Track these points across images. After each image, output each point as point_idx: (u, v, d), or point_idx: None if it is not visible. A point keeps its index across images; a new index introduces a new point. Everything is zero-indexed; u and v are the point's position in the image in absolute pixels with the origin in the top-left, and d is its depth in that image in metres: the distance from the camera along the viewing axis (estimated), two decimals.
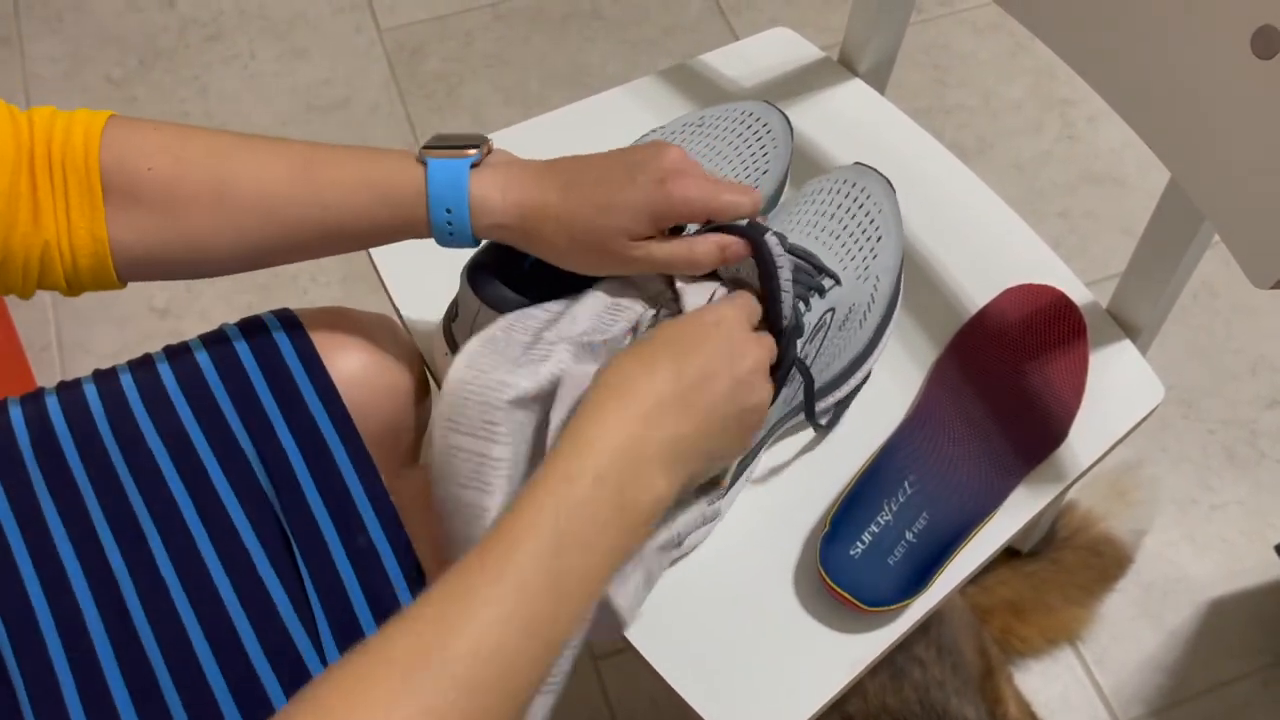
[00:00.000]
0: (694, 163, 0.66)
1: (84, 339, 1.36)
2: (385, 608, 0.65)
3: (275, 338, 0.72)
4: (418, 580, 0.66)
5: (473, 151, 0.65)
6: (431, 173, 0.64)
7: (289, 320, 0.73)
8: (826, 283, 0.75)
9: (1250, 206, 0.69)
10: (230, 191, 0.63)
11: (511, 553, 0.52)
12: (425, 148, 0.65)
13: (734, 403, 0.61)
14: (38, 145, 0.61)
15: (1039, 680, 1.16)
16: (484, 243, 0.73)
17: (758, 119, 0.86)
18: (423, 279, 0.84)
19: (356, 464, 0.68)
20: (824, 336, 0.74)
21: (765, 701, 0.70)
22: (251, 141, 0.65)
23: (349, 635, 0.64)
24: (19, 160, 0.60)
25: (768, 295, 0.67)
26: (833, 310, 0.74)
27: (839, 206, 0.80)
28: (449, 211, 0.64)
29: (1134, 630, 1.20)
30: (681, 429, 0.58)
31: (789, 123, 0.87)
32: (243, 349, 0.71)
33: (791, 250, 0.76)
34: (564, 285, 0.79)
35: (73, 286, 0.64)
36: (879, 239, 0.79)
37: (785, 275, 0.66)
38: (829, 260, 0.77)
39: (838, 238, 0.78)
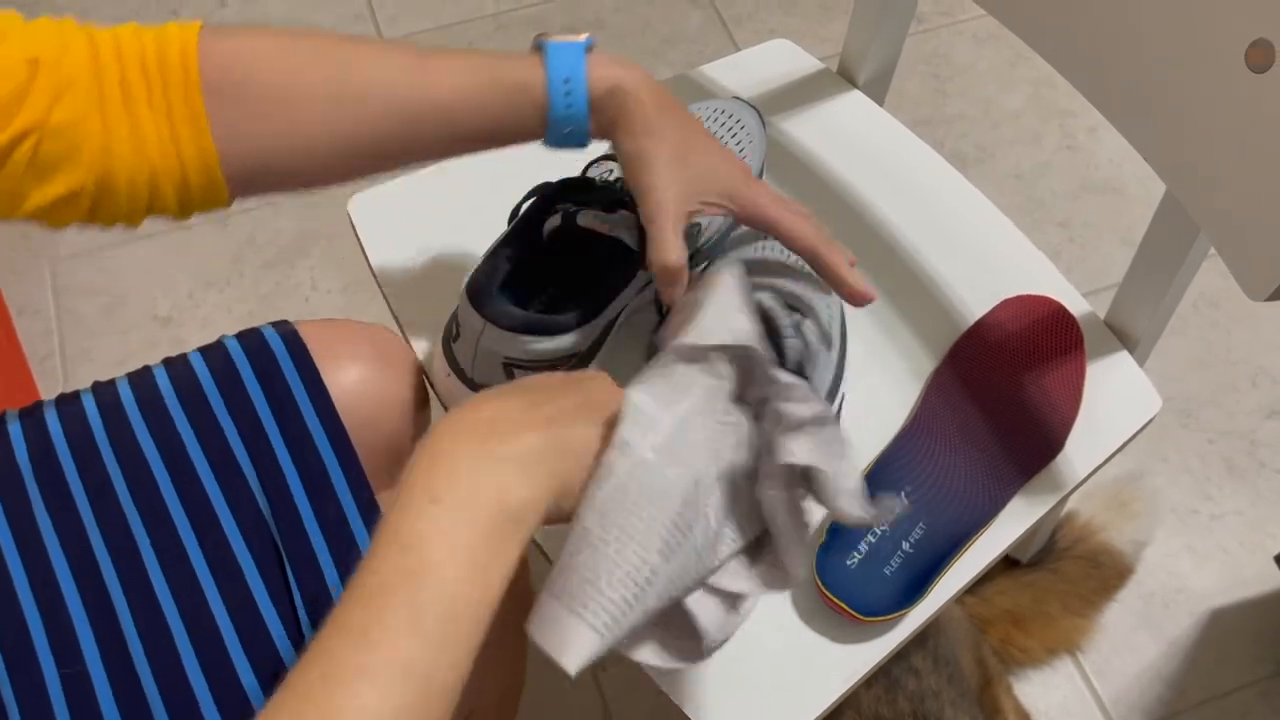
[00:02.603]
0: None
1: (87, 348, 1.37)
2: None
3: (274, 352, 0.72)
4: None
5: (585, 36, 0.65)
6: (550, 52, 0.64)
7: (288, 334, 0.73)
8: (807, 322, 0.74)
9: (1245, 219, 0.69)
10: (346, 89, 0.62)
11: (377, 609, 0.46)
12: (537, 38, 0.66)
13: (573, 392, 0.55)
14: (129, 66, 0.58)
15: (1039, 690, 1.16)
16: (482, 261, 0.73)
17: (731, 115, 0.86)
18: (422, 290, 0.85)
19: (352, 484, 0.68)
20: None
21: (761, 711, 0.70)
22: (359, 41, 0.64)
23: None
24: (104, 85, 0.58)
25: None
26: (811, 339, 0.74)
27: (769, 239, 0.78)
28: (567, 82, 0.64)
29: (1134, 640, 1.20)
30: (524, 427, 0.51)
31: (761, 117, 0.88)
32: (242, 364, 0.71)
33: (768, 285, 0.75)
34: (568, 298, 0.80)
35: (184, 208, 0.63)
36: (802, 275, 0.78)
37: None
38: (797, 289, 0.75)
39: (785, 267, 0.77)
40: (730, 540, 0.54)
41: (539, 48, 0.65)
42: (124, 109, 0.58)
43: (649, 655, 0.54)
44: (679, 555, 0.51)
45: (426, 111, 0.63)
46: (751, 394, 0.57)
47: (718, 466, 0.54)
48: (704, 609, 0.54)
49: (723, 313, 0.55)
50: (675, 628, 0.54)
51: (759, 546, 0.56)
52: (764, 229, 0.68)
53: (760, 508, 0.56)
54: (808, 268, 0.73)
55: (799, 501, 0.55)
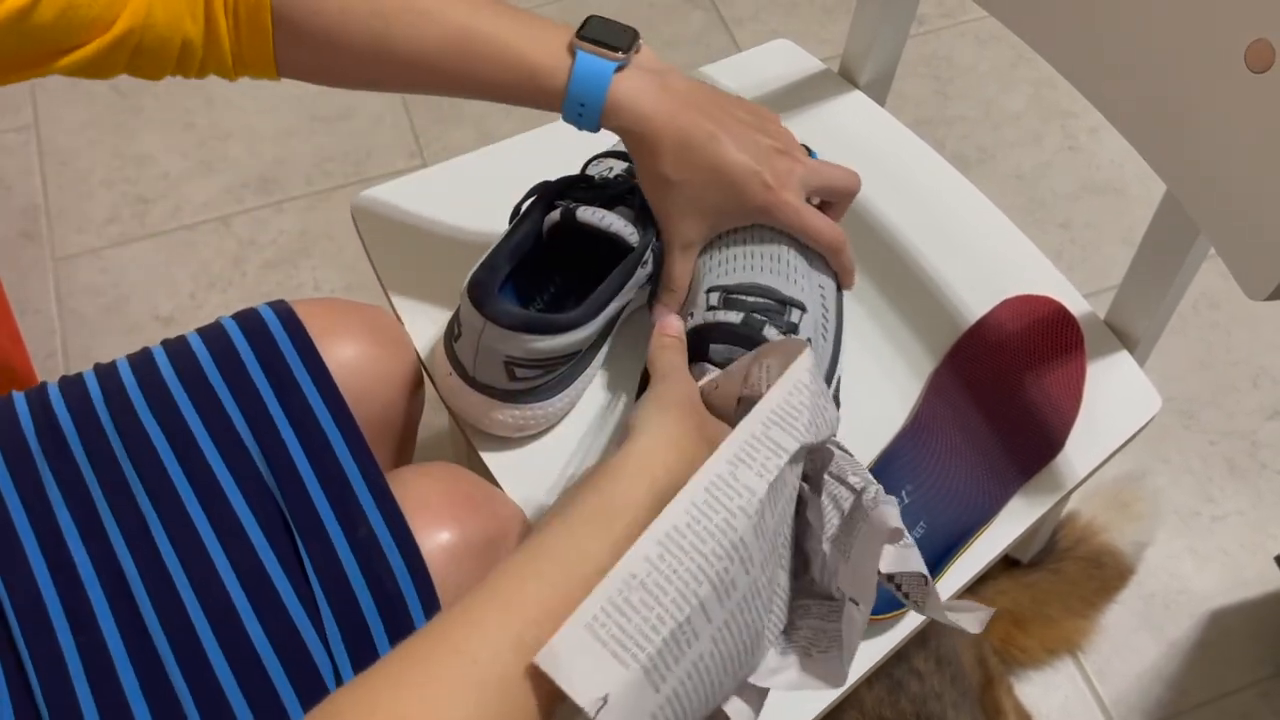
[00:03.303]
0: (807, 168, 0.73)
1: (89, 347, 1.37)
2: (388, 598, 0.65)
3: (271, 328, 0.72)
4: (419, 570, 0.66)
5: (621, 56, 0.69)
6: (577, 68, 0.69)
7: (284, 311, 0.74)
8: (795, 315, 0.72)
9: (1244, 219, 0.70)
10: (386, 55, 0.69)
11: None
12: (580, 36, 0.70)
13: None
14: None
15: (1040, 691, 1.16)
16: (483, 260, 0.73)
17: None
18: (424, 289, 0.85)
19: (355, 454, 0.68)
20: None
21: (763, 710, 0.70)
22: (415, 2, 0.69)
23: (353, 624, 0.64)
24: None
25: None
26: (809, 340, 0.72)
27: (750, 231, 0.75)
28: (583, 106, 0.70)
29: (1135, 641, 1.20)
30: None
31: None
32: (239, 339, 0.72)
33: (748, 290, 0.72)
34: (570, 296, 0.80)
35: (237, 76, 0.71)
36: (805, 245, 0.75)
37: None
38: (785, 288, 0.73)
39: (777, 259, 0.74)
40: (768, 640, 0.52)
41: (573, 53, 0.70)
42: (204, 7, 0.67)
43: None
44: (735, 670, 0.49)
45: (455, 85, 0.71)
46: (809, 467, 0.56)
47: (774, 563, 0.52)
48: (738, 711, 0.52)
49: (824, 404, 0.54)
50: None
51: (787, 639, 0.54)
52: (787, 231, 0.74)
53: (783, 600, 0.54)
54: (796, 264, 0.74)
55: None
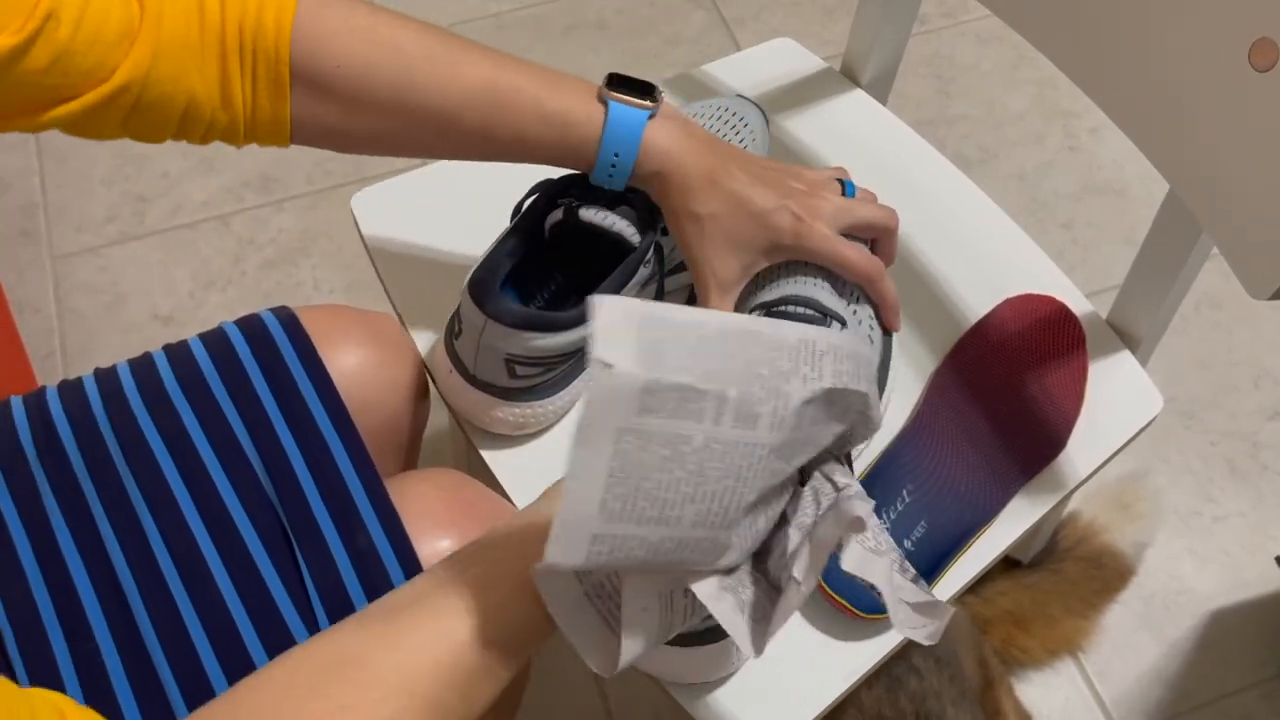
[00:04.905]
0: (837, 205, 0.71)
1: (87, 346, 1.37)
2: None
3: (274, 335, 0.72)
4: None
5: (650, 105, 0.68)
6: (611, 116, 0.67)
7: (287, 318, 0.73)
8: (834, 327, 0.72)
9: (1248, 217, 0.69)
10: (409, 107, 0.66)
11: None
12: (608, 87, 0.68)
13: None
14: (229, 26, 0.62)
15: (1040, 691, 1.16)
16: (484, 257, 0.73)
17: (735, 114, 0.86)
18: (425, 287, 0.85)
19: (356, 463, 0.68)
20: None
21: (763, 708, 0.70)
22: (438, 54, 0.67)
23: None
24: (205, 39, 0.62)
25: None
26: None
27: (787, 266, 0.74)
28: (616, 156, 0.68)
29: (1135, 642, 1.20)
30: None
31: (765, 116, 0.88)
32: (241, 346, 0.72)
33: (790, 301, 0.72)
34: (571, 294, 0.80)
35: (249, 142, 0.67)
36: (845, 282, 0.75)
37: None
38: (828, 300, 0.73)
39: (817, 284, 0.74)
40: (731, 549, 0.53)
41: (604, 102, 0.68)
42: (219, 64, 0.63)
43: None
44: (693, 505, 0.48)
45: (480, 141, 0.69)
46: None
47: (774, 478, 0.53)
48: (706, 592, 0.52)
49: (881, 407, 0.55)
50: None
51: (737, 581, 0.54)
52: (821, 264, 0.72)
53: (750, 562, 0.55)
54: (835, 290, 0.74)
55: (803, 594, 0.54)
